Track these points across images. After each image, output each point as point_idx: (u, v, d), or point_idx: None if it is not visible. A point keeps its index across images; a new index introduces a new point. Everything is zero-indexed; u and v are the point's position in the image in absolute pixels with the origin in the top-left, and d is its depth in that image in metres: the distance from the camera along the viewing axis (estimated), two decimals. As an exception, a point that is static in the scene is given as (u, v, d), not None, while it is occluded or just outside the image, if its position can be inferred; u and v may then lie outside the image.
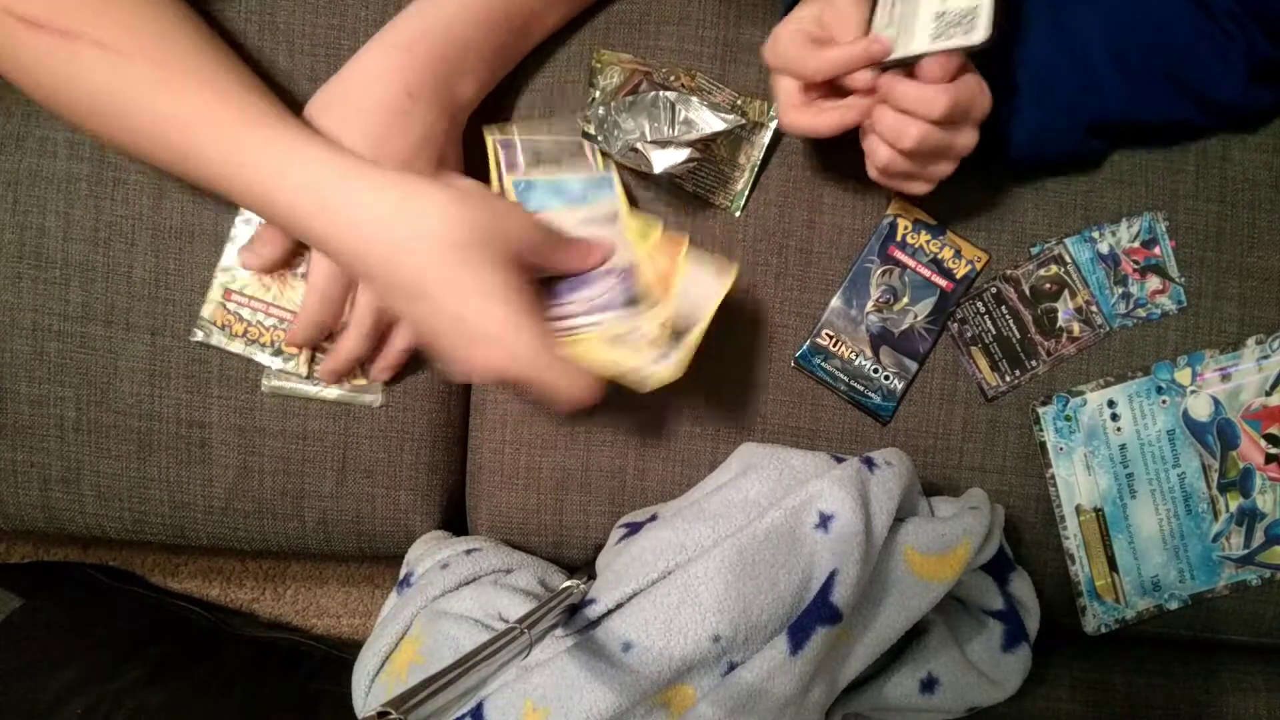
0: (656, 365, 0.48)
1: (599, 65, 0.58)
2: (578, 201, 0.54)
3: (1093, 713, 0.60)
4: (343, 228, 0.45)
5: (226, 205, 0.57)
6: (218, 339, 0.57)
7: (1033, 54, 0.52)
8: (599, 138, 0.56)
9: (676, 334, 0.49)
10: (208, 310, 0.57)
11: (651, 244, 0.52)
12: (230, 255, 0.56)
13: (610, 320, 0.50)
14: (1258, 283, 0.59)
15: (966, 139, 0.49)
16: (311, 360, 0.57)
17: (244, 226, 0.57)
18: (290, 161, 0.45)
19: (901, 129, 0.47)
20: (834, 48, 0.48)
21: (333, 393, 0.58)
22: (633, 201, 0.59)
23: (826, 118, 0.49)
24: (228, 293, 0.56)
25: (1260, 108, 0.57)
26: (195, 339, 0.57)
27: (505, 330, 0.44)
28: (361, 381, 0.58)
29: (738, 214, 0.59)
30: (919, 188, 0.52)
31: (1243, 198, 0.59)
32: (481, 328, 0.44)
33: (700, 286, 0.50)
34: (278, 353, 0.57)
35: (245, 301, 0.56)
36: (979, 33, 0.44)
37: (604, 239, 0.53)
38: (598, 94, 0.57)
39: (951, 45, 0.45)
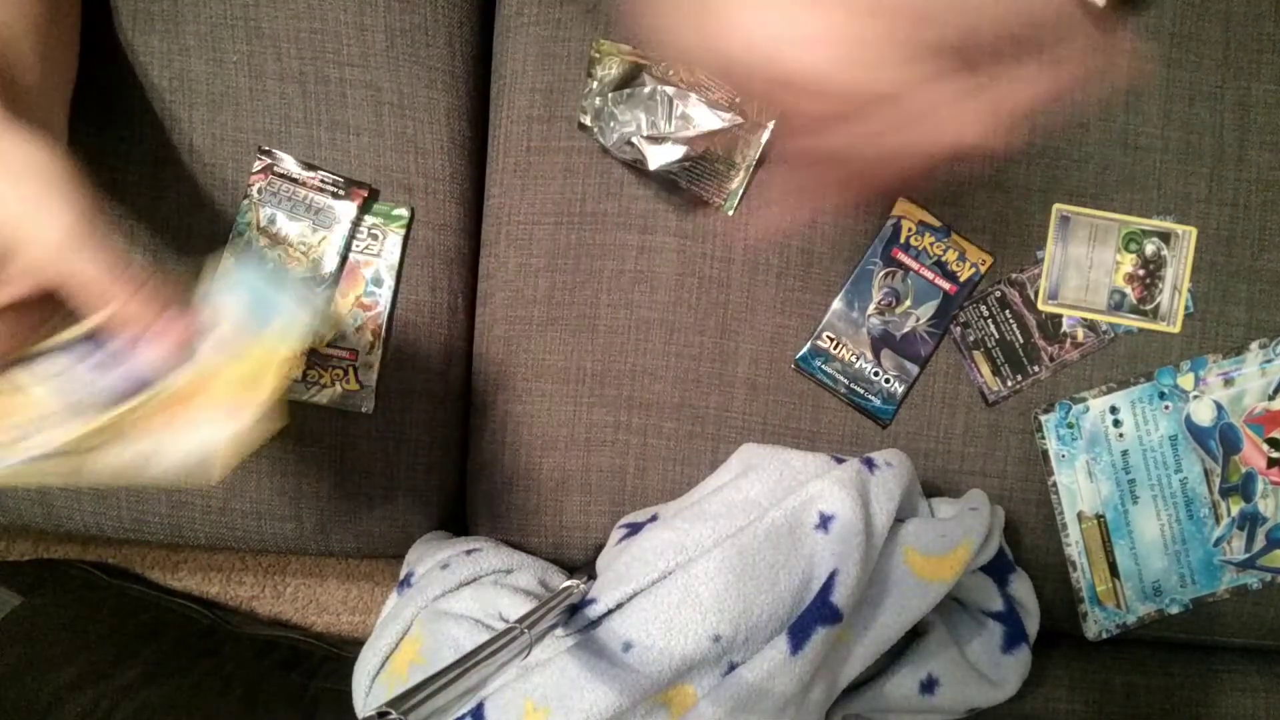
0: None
1: (598, 55, 0.58)
2: (259, 313, 0.41)
3: (1092, 713, 0.60)
4: None
5: (224, 206, 0.57)
6: None
7: None
8: (595, 129, 0.55)
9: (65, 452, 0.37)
10: None
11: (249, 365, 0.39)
12: (228, 259, 0.56)
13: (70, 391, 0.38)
14: (1266, 286, 0.59)
15: None
16: (305, 365, 0.57)
17: (244, 230, 0.57)
18: None
19: None
20: None
21: (323, 398, 0.58)
22: (625, 197, 0.59)
23: None
24: None
25: None
26: None
27: None
28: (354, 387, 0.58)
29: (730, 213, 0.59)
30: None
31: (1255, 199, 0.59)
32: None
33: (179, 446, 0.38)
34: None
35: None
36: None
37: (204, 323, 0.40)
38: (595, 85, 0.57)
39: None
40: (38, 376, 0.39)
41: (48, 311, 0.40)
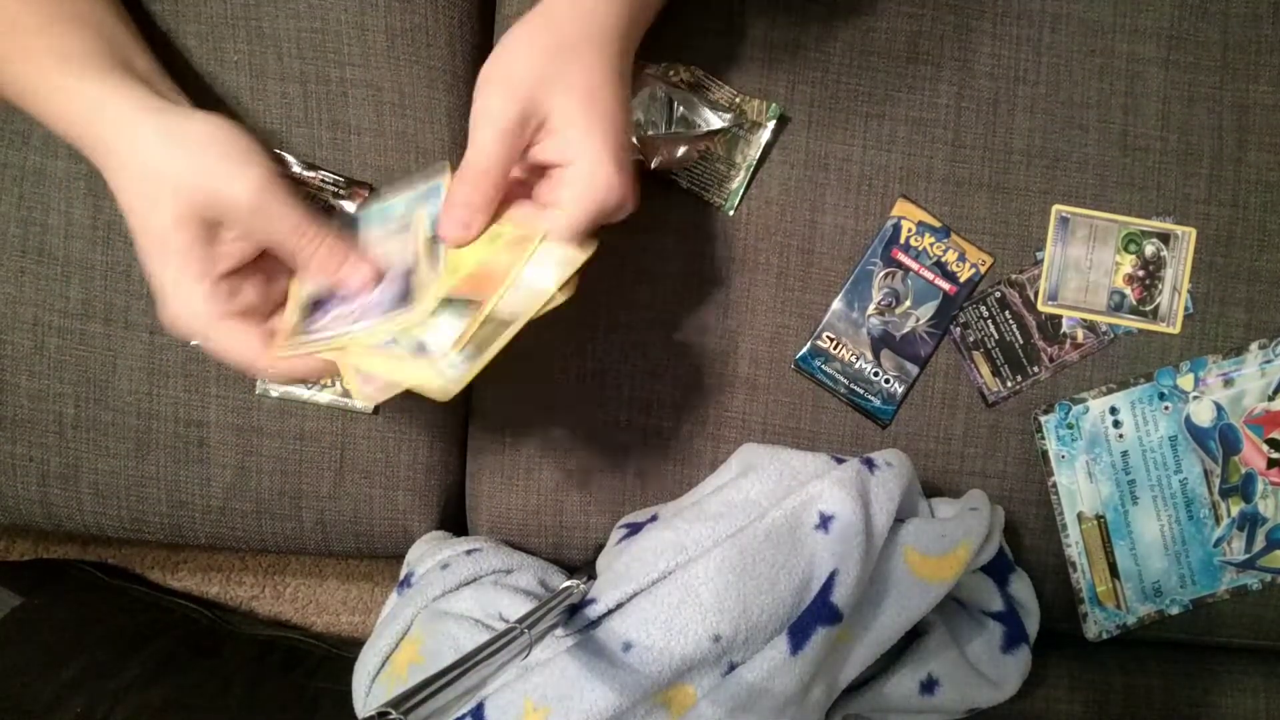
0: (447, 370, 0.41)
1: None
2: (395, 221, 0.48)
3: (1092, 713, 0.60)
4: (98, 151, 0.45)
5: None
6: None
7: None
8: None
9: (479, 342, 0.42)
10: None
11: (498, 244, 0.45)
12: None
13: (371, 327, 0.44)
14: (1266, 286, 0.59)
15: None
16: None
17: None
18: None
19: None
20: None
21: (325, 397, 0.58)
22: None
23: None
24: None
25: None
26: (194, 342, 0.57)
27: (168, 287, 0.44)
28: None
29: (731, 213, 0.59)
30: None
31: (1255, 200, 0.59)
32: (153, 278, 0.44)
33: (533, 284, 0.43)
34: None
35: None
36: None
37: (383, 254, 0.47)
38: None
39: None
40: (366, 327, 0.44)
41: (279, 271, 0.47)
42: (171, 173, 0.42)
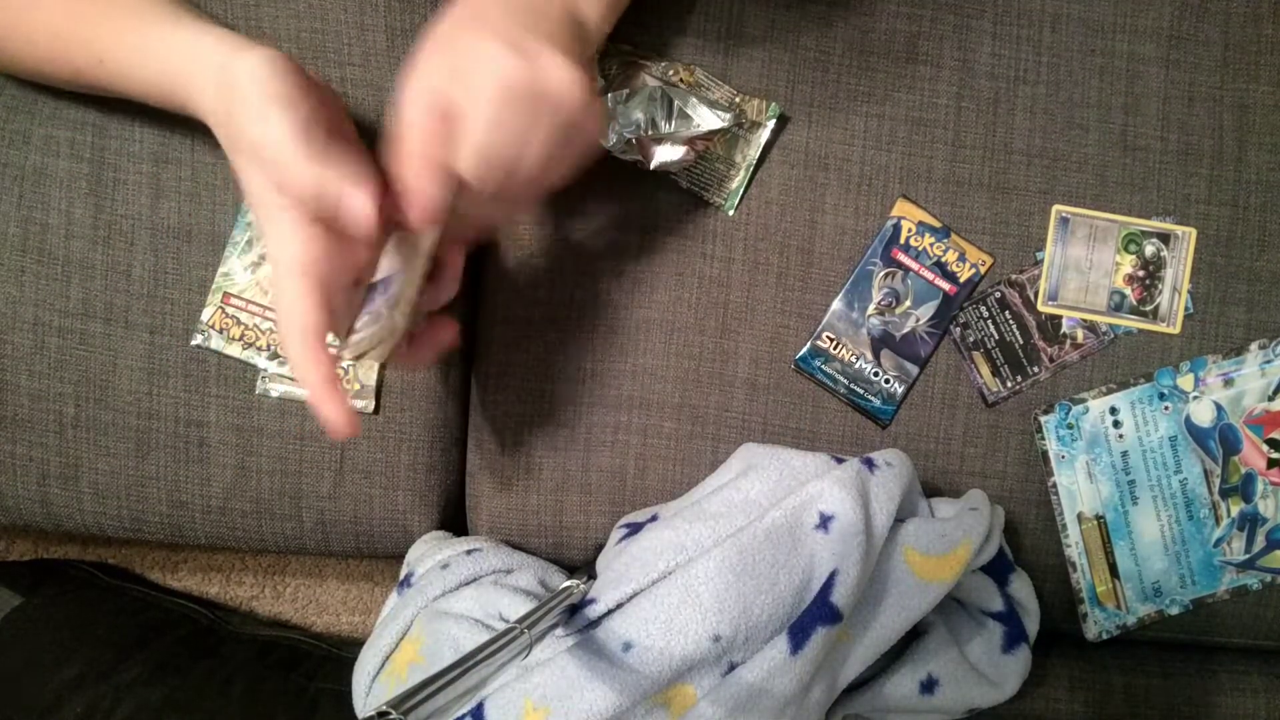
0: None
1: (598, 55, 0.58)
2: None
3: (1092, 713, 0.60)
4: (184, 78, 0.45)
5: (224, 206, 0.57)
6: (216, 343, 0.57)
7: None
8: None
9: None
10: (207, 314, 0.57)
11: None
12: (229, 259, 0.57)
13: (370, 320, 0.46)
14: (1266, 286, 0.59)
15: None
16: None
17: (245, 230, 0.57)
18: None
19: None
20: None
21: None
22: (625, 197, 0.59)
23: None
24: (226, 296, 0.57)
25: None
26: (195, 343, 0.57)
27: (265, 236, 0.42)
28: (354, 387, 0.58)
29: (731, 212, 0.59)
30: None
31: (1254, 200, 0.59)
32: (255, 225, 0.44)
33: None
34: (274, 356, 0.57)
35: (243, 305, 0.57)
36: None
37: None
38: (596, 85, 0.57)
39: None
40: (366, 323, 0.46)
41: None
42: (284, 79, 0.41)
